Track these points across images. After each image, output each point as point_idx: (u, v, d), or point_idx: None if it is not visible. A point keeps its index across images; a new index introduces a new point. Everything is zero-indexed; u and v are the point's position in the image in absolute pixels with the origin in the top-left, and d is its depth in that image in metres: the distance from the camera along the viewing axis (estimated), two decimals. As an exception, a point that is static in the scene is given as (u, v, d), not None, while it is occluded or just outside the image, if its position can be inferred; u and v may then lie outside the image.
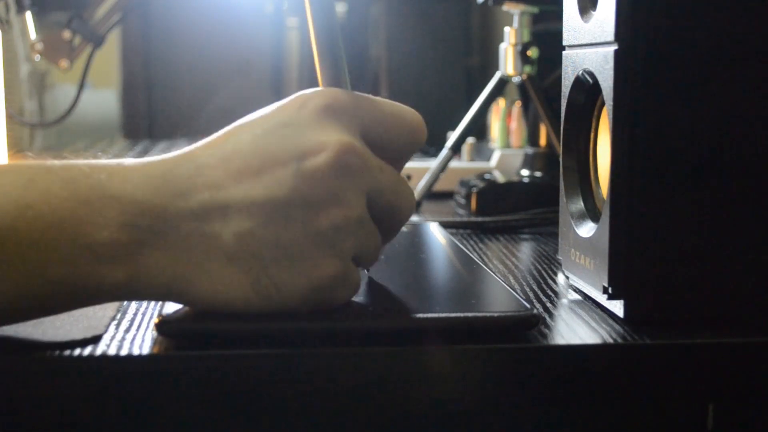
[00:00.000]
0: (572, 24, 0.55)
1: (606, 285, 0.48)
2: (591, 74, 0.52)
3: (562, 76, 0.56)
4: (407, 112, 0.46)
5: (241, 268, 0.42)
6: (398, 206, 0.45)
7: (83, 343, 0.43)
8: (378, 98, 0.46)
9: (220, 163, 0.42)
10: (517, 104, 1.12)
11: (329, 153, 0.42)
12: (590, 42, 0.51)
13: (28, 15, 1.12)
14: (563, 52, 0.56)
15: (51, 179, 0.41)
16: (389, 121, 0.46)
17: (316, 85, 0.47)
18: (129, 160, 0.43)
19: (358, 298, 0.47)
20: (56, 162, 0.42)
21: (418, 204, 0.93)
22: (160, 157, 0.43)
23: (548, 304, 0.52)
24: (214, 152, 0.43)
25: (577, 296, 0.54)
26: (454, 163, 1.01)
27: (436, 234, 0.67)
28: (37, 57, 1.19)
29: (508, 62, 0.92)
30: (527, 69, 0.91)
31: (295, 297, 0.42)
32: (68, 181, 0.41)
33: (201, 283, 0.42)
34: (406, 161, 0.47)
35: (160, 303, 0.47)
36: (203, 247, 0.41)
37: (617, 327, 0.47)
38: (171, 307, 0.45)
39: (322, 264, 0.42)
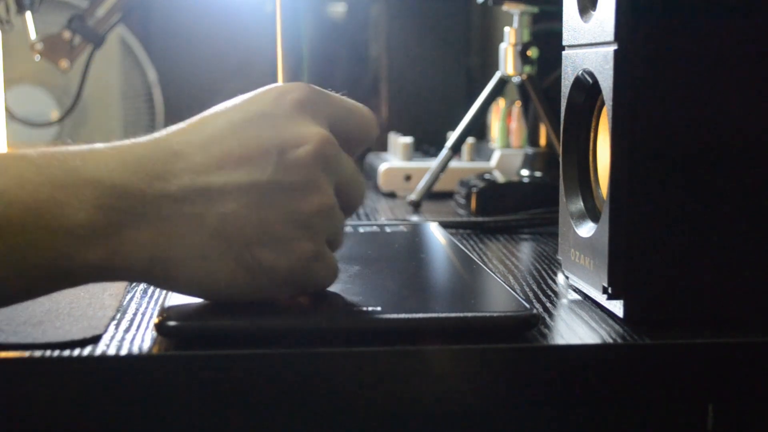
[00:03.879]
0: (572, 24, 0.55)
1: (606, 285, 0.48)
2: (591, 74, 0.52)
3: (562, 76, 0.56)
4: (363, 108, 0.49)
5: (224, 246, 0.43)
6: (355, 196, 0.48)
7: (83, 343, 0.43)
8: (336, 94, 0.48)
9: (198, 149, 0.43)
10: (517, 104, 1.12)
11: (311, 145, 0.44)
12: (590, 42, 0.51)
13: (28, 15, 1.12)
14: (563, 52, 0.56)
15: (25, 166, 0.41)
16: (350, 116, 0.48)
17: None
18: (101, 145, 0.43)
19: (359, 298, 0.47)
20: (30, 150, 0.43)
21: (418, 204, 0.93)
22: (132, 141, 0.44)
23: (548, 304, 0.52)
24: (191, 138, 0.44)
25: (576, 296, 0.54)
26: (454, 163, 1.01)
27: (436, 234, 0.67)
28: (37, 57, 1.19)
29: (508, 62, 0.92)
30: (527, 69, 0.91)
31: (278, 274, 0.44)
32: (43, 167, 0.42)
33: (183, 261, 0.43)
34: (358, 153, 0.50)
35: (159, 303, 0.47)
36: (186, 227, 0.42)
37: (617, 327, 0.47)
38: (171, 307, 0.45)
39: (301, 245, 0.44)
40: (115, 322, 0.47)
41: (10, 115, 1.23)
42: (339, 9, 1.51)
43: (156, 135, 0.44)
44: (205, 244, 0.43)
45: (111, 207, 0.41)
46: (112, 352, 0.42)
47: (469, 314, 0.45)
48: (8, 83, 1.75)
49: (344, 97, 0.49)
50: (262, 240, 0.43)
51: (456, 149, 0.96)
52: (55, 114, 1.76)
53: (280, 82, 0.48)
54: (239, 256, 0.43)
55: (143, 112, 1.83)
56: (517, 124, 1.12)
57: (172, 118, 0.47)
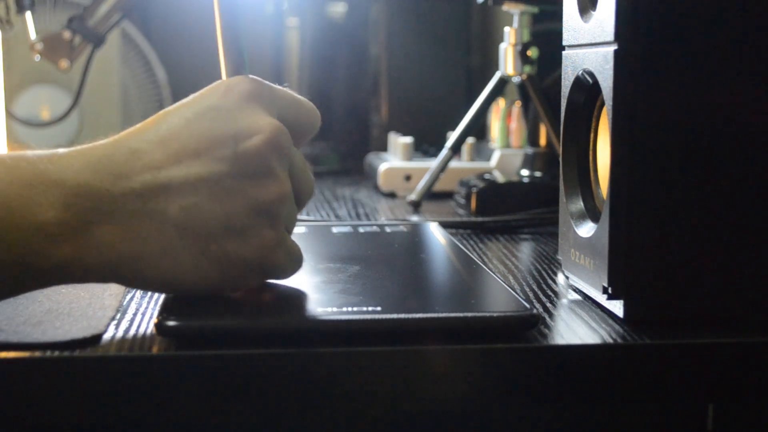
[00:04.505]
0: (572, 24, 0.55)
1: (606, 285, 0.48)
2: (591, 74, 0.52)
3: (562, 76, 0.56)
4: (306, 100, 0.50)
5: (190, 239, 0.44)
6: (306, 187, 0.49)
7: (83, 343, 0.43)
8: (280, 87, 0.49)
9: (156, 147, 0.44)
10: (517, 104, 1.12)
11: (264, 135, 0.45)
12: (590, 42, 0.51)
13: (28, 15, 1.12)
14: (563, 52, 0.56)
15: None
16: (296, 108, 0.49)
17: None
18: (64, 150, 0.44)
19: (359, 298, 0.47)
20: (1, 152, 0.43)
21: (418, 204, 0.93)
22: (93, 144, 0.45)
23: (548, 304, 0.52)
24: (148, 136, 0.45)
25: (576, 296, 0.54)
26: (454, 163, 1.01)
27: (436, 234, 0.67)
28: (37, 57, 1.19)
29: (508, 62, 0.92)
30: (527, 69, 0.91)
31: (245, 264, 0.45)
32: (12, 167, 0.43)
33: (151, 256, 0.44)
34: (303, 144, 0.51)
35: (159, 303, 0.47)
36: (151, 223, 0.43)
37: (617, 327, 0.47)
38: (171, 307, 0.45)
39: (263, 232, 0.45)
40: (115, 322, 0.47)
41: (10, 116, 1.23)
42: (339, 9, 1.51)
43: (115, 136, 0.46)
44: (170, 239, 0.44)
45: (78, 206, 0.42)
46: (112, 352, 0.42)
47: (469, 314, 0.45)
48: (27, 84, 1.76)
49: (288, 90, 0.50)
50: (226, 231, 0.44)
51: (456, 149, 0.96)
52: (74, 114, 1.77)
53: (224, 78, 0.49)
54: (205, 249, 0.44)
55: (153, 112, 1.84)
56: (517, 124, 1.12)
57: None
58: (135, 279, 0.45)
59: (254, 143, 0.45)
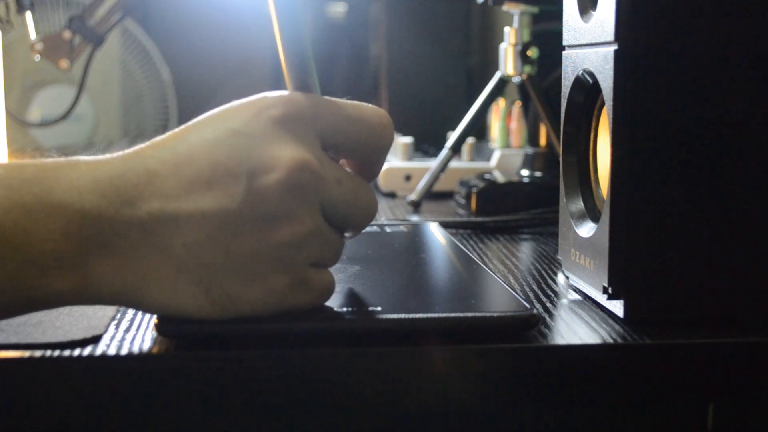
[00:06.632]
0: (572, 24, 0.55)
1: (606, 285, 0.48)
2: (591, 74, 0.52)
3: (562, 76, 0.56)
4: (371, 114, 0.46)
5: (191, 279, 0.41)
6: (355, 217, 0.45)
7: (83, 343, 0.43)
8: (342, 102, 0.45)
9: (171, 171, 0.41)
10: (517, 104, 1.12)
11: (281, 172, 0.41)
12: (590, 42, 0.51)
13: (28, 15, 1.12)
14: (563, 52, 0.56)
15: None
16: (350, 127, 0.45)
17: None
18: (77, 159, 0.42)
19: (359, 298, 0.47)
20: (3, 166, 0.41)
21: (418, 204, 0.93)
22: (110, 156, 0.42)
23: (548, 304, 0.52)
24: (166, 156, 0.42)
25: (577, 296, 0.54)
26: (454, 163, 1.01)
27: (436, 234, 0.67)
28: (37, 57, 1.19)
29: (508, 62, 0.92)
30: (527, 69, 0.91)
31: (252, 307, 0.42)
32: (13, 189, 0.40)
33: (152, 293, 0.41)
34: (378, 163, 0.47)
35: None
36: (152, 257, 0.41)
37: (617, 327, 0.47)
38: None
39: (273, 277, 0.42)
40: (115, 322, 0.47)
41: (11, 116, 1.23)
42: (339, 9, 1.51)
43: (133, 150, 0.43)
44: (172, 276, 0.41)
45: (78, 235, 0.40)
46: (112, 352, 0.42)
47: (469, 314, 0.45)
48: (43, 84, 1.77)
49: (349, 104, 0.45)
50: (229, 272, 0.41)
51: (456, 149, 0.96)
52: (90, 113, 1.79)
53: (270, 92, 0.44)
54: (208, 289, 0.42)
55: (159, 112, 1.84)
56: (517, 124, 1.12)
57: (185, 119, 0.45)
58: (136, 306, 0.43)
59: (269, 181, 0.41)
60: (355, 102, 0.46)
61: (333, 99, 0.45)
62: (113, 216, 0.40)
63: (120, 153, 0.42)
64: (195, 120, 0.44)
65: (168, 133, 0.43)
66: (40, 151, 1.57)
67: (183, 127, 0.43)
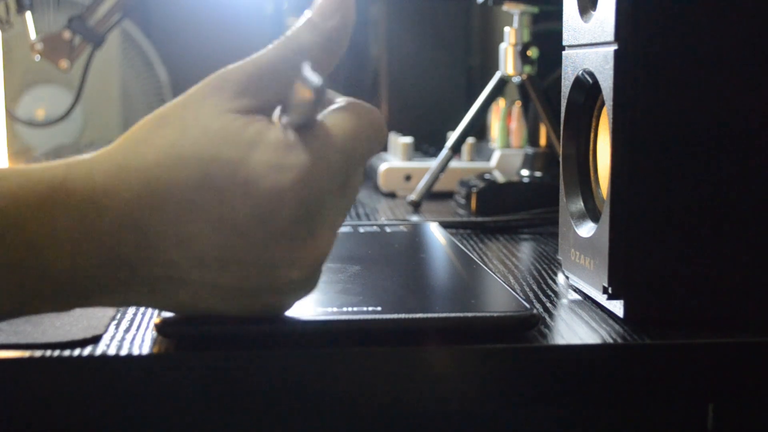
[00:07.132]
0: (572, 24, 0.55)
1: (606, 285, 0.48)
2: (591, 74, 0.52)
3: (562, 76, 0.56)
4: (371, 120, 0.43)
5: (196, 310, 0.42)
6: (369, 142, 0.42)
7: (83, 343, 0.43)
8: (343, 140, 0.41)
9: (173, 245, 0.39)
10: (517, 104, 1.12)
11: (301, 271, 0.40)
12: (590, 42, 0.51)
13: (28, 15, 1.12)
14: (563, 52, 0.56)
15: None
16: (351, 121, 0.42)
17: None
18: (67, 220, 0.38)
19: (359, 298, 0.47)
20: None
21: (418, 204, 0.93)
22: (109, 201, 0.38)
23: (548, 304, 0.52)
24: (166, 224, 0.38)
25: (577, 296, 0.54)
26: (454, 163, 1.01)
27: (436, 234, 0.67)
28: (37, 57, 1.19)
29: (508, 62, 0.92)
30: (527, 69, 0.91)
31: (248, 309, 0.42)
32: (6, 248, 0.38)
33: (155, 306, 0.42)
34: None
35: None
36: (154, 303, 0.42)
37: (617, 327, 0.47)
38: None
39: (269, 301, 0.42)
40: (115, 322, 0.47)
41: (11, 116, 1.23)
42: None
43: (129, 211, 0.38)
44: (176, 305, 0.42)
45: (72, 299, 0.40)
46: (112, 352, 0.42)
47: (469, 314, 0.45)
48: (41, 84, 1.77)
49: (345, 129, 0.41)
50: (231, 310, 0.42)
51: (456, 149, 0.96)
52: (77, 113, 1.79)
53: (280, 156, 0.39)
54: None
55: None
56: (517, 124, 1.12)
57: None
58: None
59: (288, 278, 0.40)
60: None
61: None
62: (110, 279, 0.40)
63: (114, 205, 0.38)
64: (202, 168, 0.39)
65: (164, 196, 0.39)
66: (28, 156, 1.57)
67: (180, 193, 0.39)
